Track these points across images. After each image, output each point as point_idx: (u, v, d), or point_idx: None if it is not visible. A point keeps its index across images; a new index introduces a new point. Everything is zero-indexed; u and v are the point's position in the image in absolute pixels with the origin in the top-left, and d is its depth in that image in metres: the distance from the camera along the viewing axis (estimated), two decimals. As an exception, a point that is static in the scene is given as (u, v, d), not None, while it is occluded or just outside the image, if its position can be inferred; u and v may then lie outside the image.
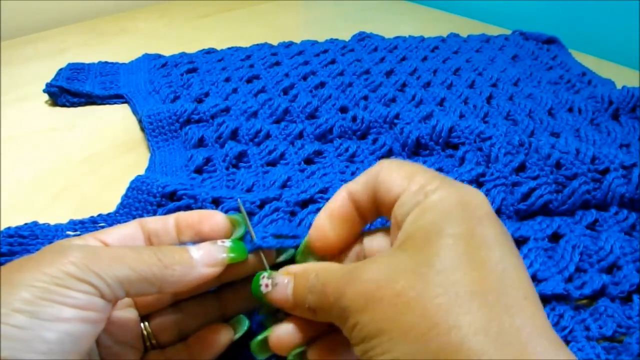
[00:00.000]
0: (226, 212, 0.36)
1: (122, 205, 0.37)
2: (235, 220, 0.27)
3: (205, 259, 0.24)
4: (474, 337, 0.17)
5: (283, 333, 0.24)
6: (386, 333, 0.18)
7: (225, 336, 0.26)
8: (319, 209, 0.36)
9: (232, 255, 0.25)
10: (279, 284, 0.23)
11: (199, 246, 0.25)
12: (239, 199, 0.28)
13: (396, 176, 0.23)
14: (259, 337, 0.24)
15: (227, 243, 0.25)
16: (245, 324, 0.27)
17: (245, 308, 0.28)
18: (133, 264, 0.22)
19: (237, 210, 0.36)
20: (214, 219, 0.26)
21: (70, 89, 0.55)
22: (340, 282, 0.21)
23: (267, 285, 0.24)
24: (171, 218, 0.26)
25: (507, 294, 0.19)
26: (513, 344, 0.17)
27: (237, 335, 0.27)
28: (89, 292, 0.20)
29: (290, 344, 0.24)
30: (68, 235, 0.35)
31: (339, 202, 0.25)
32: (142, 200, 0.37)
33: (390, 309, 0.19)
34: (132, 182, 0.38)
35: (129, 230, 0.25)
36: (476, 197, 0.22)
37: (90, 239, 0.24)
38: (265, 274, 0.24)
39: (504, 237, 0.21)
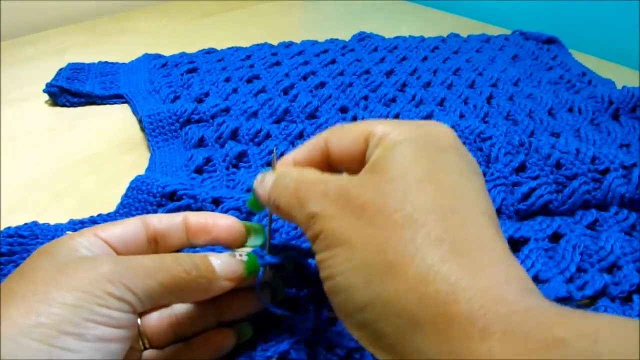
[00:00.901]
0: (226, 212, 0.36)
1: (122, 205, 0.37)
2: (250, 227, 0.27)
3: (226, 272, 0.24)
4: (427, 247, 0.18)
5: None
6: (348, 242, 0.19)
7: (228, 340, 0.26)
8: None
9: (248, 271, 0.25)
10: (266, 180, 0.25)
11: (217, 256, 0.24)
12: (274, 149, 0.29)
13: (349, 136, 0.24)
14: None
15: (244, 257, 0.25)
16: (249, 332, 0.27)
17: (242, 316, 0.27)
18: (162, 278, 0.22)
19: (237, 210, 0.36)
20: (231, 224, 0.26)
21: (70, 89, 0.55)
22: (314, 187, 0.22)
23: (257, 180, 0.25)
24: (178, 217, 0.26)
25: (462, 210, 0.20)
26: (465, 254, 0.18)
27: (240, 341, 0.27)
28: (125, 310, 0.20)
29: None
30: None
31: (284, 163, 0.26)
32: (142, 200, 0.37)
33: (354, 220, 0.20)
34: (132, 182, 0.38)
35: (131, 230, 0.25)
36: (441, 130, 0.23)
37: (89, 235, 0.23)
38: (265, 170, 0.26)
39: (466, 164, 0.22)
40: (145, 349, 0.26)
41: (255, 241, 0.27)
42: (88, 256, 0.22)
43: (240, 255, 0.25)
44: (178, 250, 0.27)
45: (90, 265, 0.20)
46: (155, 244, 0.26)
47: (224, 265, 0.24)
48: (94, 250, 0.23)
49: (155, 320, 0.26)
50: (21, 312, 0.18)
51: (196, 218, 0.26)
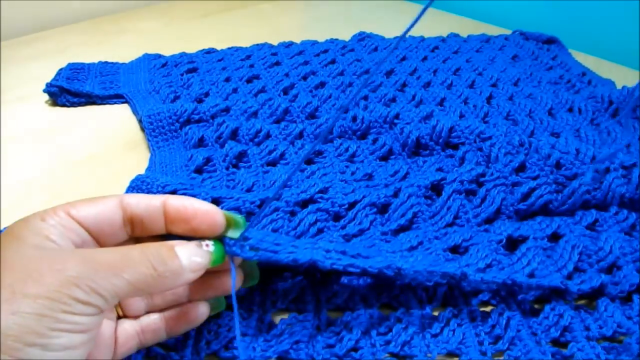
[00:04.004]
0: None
1: (122, 205, 0.37)
2: (232, 219, 0.26)
3: (192, 265, 0.24)
4: None
5: None
6: None
7: (203, 312, 0.27)
8: (319, 209, 0.36)
9: (213, 260, 0.25)
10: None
11: (184, 247, 0.24)
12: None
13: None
14: None
15: (211, 248, 0.25)
16: (222, 304, 0.29)
17: (212, 296, 0.28)
18: (129, 276, 0.21)
19: (237, 210, 0.36)
20: (212, 217, 0.26)
21: (70, 89, 0.55)
22: None
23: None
24: (157, 200, 0.26)
25: None
26: None
27: (213, 313, 0.28)
28: (91, 313, 0.20)
29: None
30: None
31: None
32: (142, 200, 0.37)
33: None
34: (132, 181, 0.38)
35: (107, 211, 0.24)
36: None
37: (61, 214, 0.23)
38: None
39: None
40: (119, 317, 0.26)
41: (233, 234, 0.26)
42: (56, 251, 0.22)
43: (207, 245, 0.25)
44: (155, 237, 0.26)
45: (57, 267, 0.20)
46: (131, 226, 0.25)
47: (191, 257, 0.24)
48: (65, 235, 0.23)
49: (129, 298, 0.26)
50: None
51: (177, 206, 0.25)
